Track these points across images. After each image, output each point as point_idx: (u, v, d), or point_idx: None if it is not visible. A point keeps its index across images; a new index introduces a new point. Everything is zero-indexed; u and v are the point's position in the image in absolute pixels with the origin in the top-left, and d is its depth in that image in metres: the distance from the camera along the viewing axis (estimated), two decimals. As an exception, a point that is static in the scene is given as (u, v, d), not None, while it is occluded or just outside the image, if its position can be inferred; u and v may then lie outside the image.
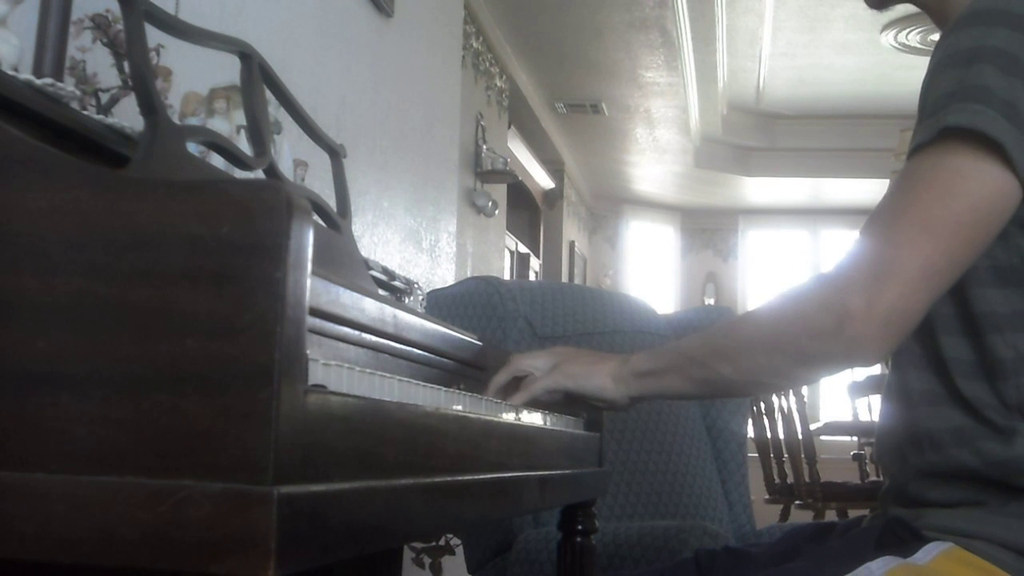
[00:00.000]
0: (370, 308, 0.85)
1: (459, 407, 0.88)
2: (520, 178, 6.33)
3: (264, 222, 0.52)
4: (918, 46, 5.84)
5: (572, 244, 8.15)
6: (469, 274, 4.47)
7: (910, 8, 1.10)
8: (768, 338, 0.96)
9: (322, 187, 1.32)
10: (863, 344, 0.87)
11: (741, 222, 9.29)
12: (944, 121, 0.87)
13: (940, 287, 0.89)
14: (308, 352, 0.54)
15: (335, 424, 0.56)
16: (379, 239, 2.85)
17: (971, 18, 0.91)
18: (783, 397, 4.03)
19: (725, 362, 1.00)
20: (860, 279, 0.88)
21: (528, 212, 7.51)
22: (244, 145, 1.02)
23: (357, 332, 0.86)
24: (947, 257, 0.88)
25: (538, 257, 7.48)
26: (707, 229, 9.34)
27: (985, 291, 0.92)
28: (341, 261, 1.15)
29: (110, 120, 0.91)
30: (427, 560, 2.51)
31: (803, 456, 4.00)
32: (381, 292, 1.55)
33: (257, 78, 1.02)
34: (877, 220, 0.92)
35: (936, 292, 0.89)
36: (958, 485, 0.93)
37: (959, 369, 0.94)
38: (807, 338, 0.91)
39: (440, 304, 1.95)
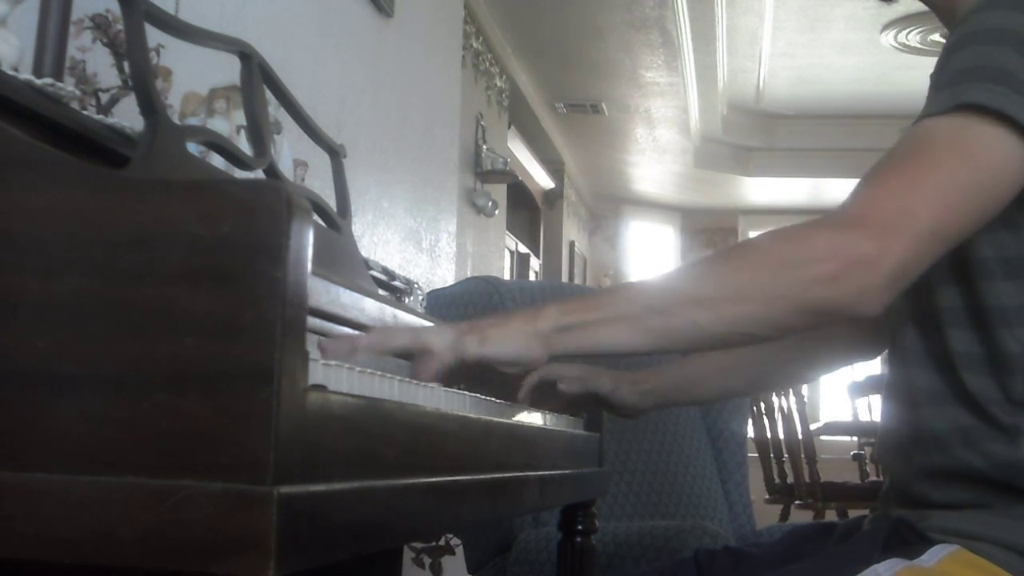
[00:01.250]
0: (370, 308, 0.85)
1: (459, 407, 0.88)
2: (520, 178, 6.33)
3: (264, 222, 0.52)
4: (918, 46, 5.84)
5: (572, 244, 8.15)
6: (469, 274, 4.47)
7: (912, 7, 1.09)
8: (766, 283, 0.88)
9: (322, 187, 1.32)
10: (870, 293, 0.84)
11: (741, 222, 9.29)
12: (965, 96, 0.86)
13: (945, 248, 0.88)
14: (308, 352, 0.54)
15: (335, 424, 0.56)
16: (379, 239, 2.85)
17: (994, 2, 0.91)
18: (783, 397, 4.02)
19: (703, 309, 0.89)
20: (874, 226, 0.85)
21: (528, 212, 7.51)
22: (244, 145, 1.02)
23: (357, 332, 0.86)
24: (959, 220, 0.87)
25: (538, 257, 7.48)
26: (707, 229, 9.34)
27: (994, 284, 0.92)
28: (341, 261, 1.15)
29: (110, 120, 0.91)
30: (427, 560, 2.51)
31: (803, 456, 4.00)
32: (381, 292, 1.55)
33: (257, 78, 1.02)
34: (891, 170, 0.89)
35: (940, 252, 0.88)
36: (963, 486, 0.93)
37: (965, 363, 0.93)
38: (814, 283, 0.85)
39: (440, 304, 1.95)
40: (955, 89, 0.87)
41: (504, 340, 0.92)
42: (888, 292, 0.85)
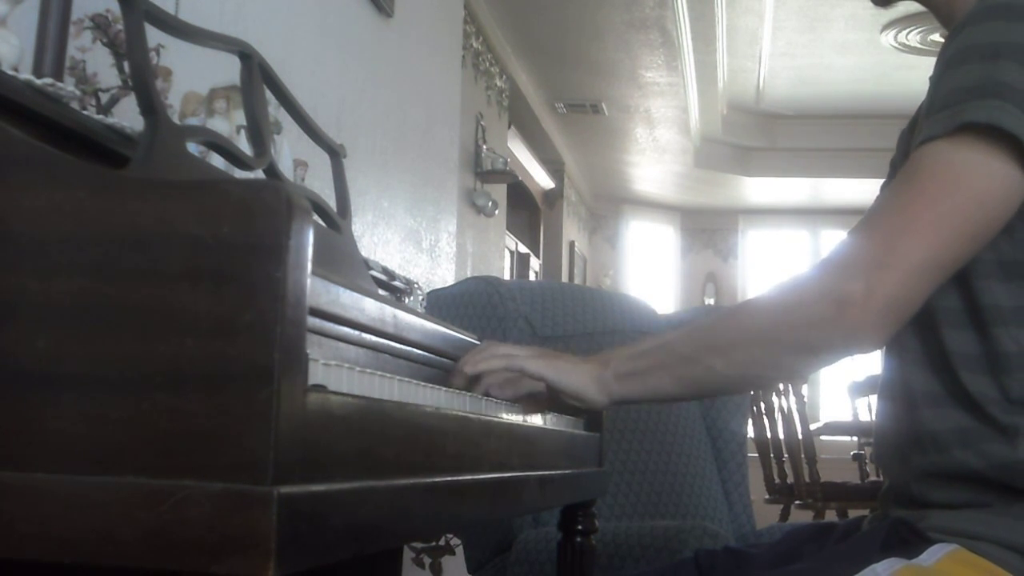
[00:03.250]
0: (370, 308, 0.85)
1: (459, 407, 0.88)
2: (520, 178, 6.33)
3: (264, 222, 0.52)
4: (918, 46, 5.84)
5: (572, 244, 8.15)
6: (469, 274, 4.47)
7: (911, 7, 1.09)
8: (765, 329, 0.95)
9: (322, 187, 1.32)
10: (862, 331, 0.87)
11: (741, 222, 9.29)
12: (963, 116, 0.87)
13: (939, 279, 0.89)
14: (308, 352, 0.54)
15: (335, 424, 0.56)
16: (379, 239, 2.85)
17: (989, 12, 0.91)
18: (783, 397, 4.03)
19: (717, 356, 0.97)
20: (860, 266, 0.88)
21: (528, 212, 7.51)
22: (244, 145, 1.02)
23: (357, 332, 0.86)
24: (949, 250, 0.88)
25: (538, 257, 7.48)
26: (707, 229, 9.34)
27: (990, 284, 0.92)
28: (341, 261, 1.15)
29: (110, 120, 0.91)
30: (427, 560, 2.51)
31: (803, 456, 4.00)
32: (381, 292, 1.55)
33: (257, 78, 1.02)
34: (879, 209, 0.91)
35: (935, 284, 0.89)
36: (962, 486, 0.93)
37: (963, 363, 0.93)
38: (806, 327, 0.90)
39: (440, 304, 1.95)
40: (953, 110, 0.88)
41: (568, 376, 1.06)
42: (882, 329, 0.88)
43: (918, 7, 1.09)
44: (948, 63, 0.91)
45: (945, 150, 0.88)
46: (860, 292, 0.86)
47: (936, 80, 0.92)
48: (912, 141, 0.95)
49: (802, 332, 0.91)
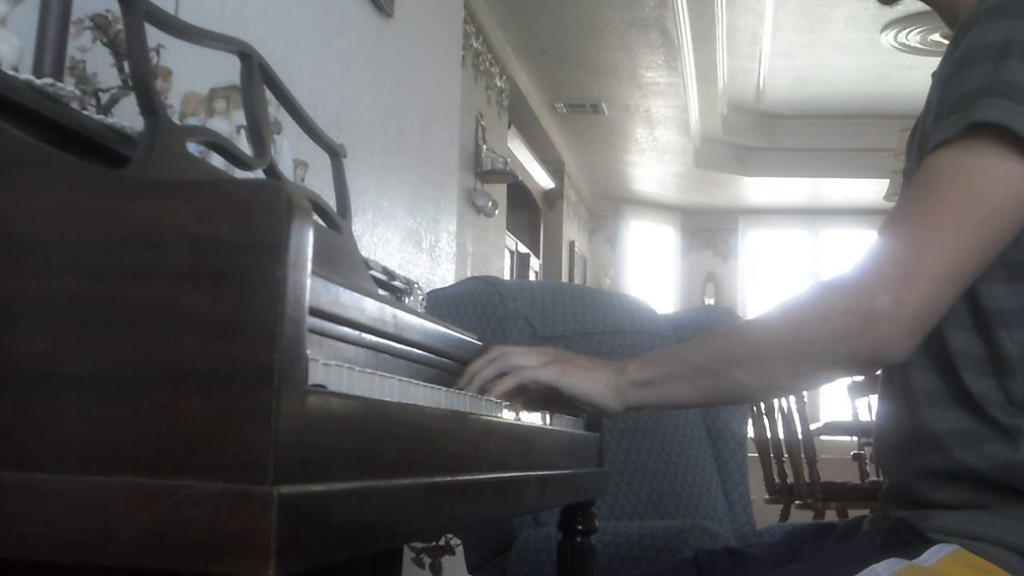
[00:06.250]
0: (370, 308, 0.85)
1: (459, 407, 0.88)
2: (520, 178, 6.32)
3: (264, 222, 0.52)
4: (918, 46, 5.84)
5: (572, 244, 8.14)
6: (469, 274, 4.47)
7: (912, 7, 1.09)
8: (790, 343, 0.95)
9: (322, 187, 1.32)
10: (891, 344, 0.88)
11: (741, 222, 9.28)
12: (972, 117, 0.87)
13: (964, 285, 0.90)
14: (308, 352, 0.54)
15: (335, 424, 0.56)
16: (379, 239, 2.85)
17: (994, 11, 0.91)
18: (783, 397, 4.02)
19: (741, 369, 0.98)
20: (886, 280, 0.88)
21: (528, 212, 7.51)
22: (244, 145, 1.02)
23: (357, 332, 0.86)
24: (972, 256, 0.88)
25: (538, 257, 7.48)
26: (707, 229, 9.34)
27: (993, 286, 0.92)
28: (341, 261, 1.14)
29: (110, 120, 0.91)
30: (427, 560, 2.50)
31: (803, 456, 4.00)
32: (381, 292, 1.55)
33: (257, 78, 1.02)
34: (900, 218, 0.91)
35: (960, 290, 0.90)
36: (962, 487, 0.93)
37: (965, 364, 0.93)
38: (833, 341, 0.90)
39: (440, 304, 1.95)
40: (964, 113, 0.88)
41: (583, 381, 1.06)
42: (911, 339, 0.88)
43: (920, 6, 1.09)
44: (957, 65, 0.91)
45: (961, 155, 0.88)
46: (888, 306, 0.86)
47: (946, 81, 0.92)
48: (923, 146, 0.95)
49: (829, 346, 0.91)
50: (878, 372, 1.06)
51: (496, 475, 0.85)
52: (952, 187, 0.88)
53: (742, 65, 6.38)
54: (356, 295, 0.80)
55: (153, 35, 0.88)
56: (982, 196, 0.87)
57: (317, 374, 0.57)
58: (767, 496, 4.34)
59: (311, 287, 0.54)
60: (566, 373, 1.07)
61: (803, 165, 7.84)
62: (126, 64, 1.22)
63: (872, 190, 7.55)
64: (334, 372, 0.60)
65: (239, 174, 0.99)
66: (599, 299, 2.17)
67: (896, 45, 5.88)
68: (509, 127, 6.09)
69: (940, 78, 0.95)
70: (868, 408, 4.54)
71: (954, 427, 0.93)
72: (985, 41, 0.90)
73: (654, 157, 7.83)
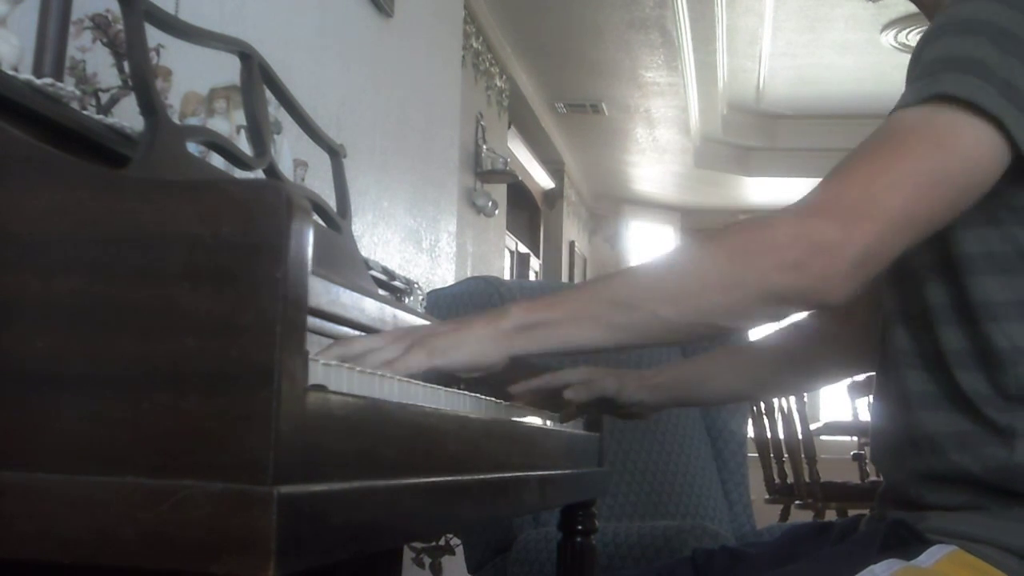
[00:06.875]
0: (370, 308, 0.85)
1: (459, 407, 0.88)
2: (520, 178, 6.33)
3: (264, 222, 0.52)
4: (918, 46, 5.84)
5: (572, 244, 8.15)
6: (469, 274, 4.47)
7: (910, 8, 1.10)
8: (726, 272, 0.87)
9: (322, 187, 1.32)
10: (833, 280, 0.83)
11: (741, 222, 9.29)
12: (940, 87, 0.85)
13: (912, 237, 0.87)
14: (308, 352, 0.54)
15: (335, 424, 0.56)
16: (379, 239, 2.85)
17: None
18: (783, 397, 4.02)
19: (665, 303, 0.88)
20: (838, 212, 0.84)
21: (528, 212, 7.51)
22: (244, 145, 1.02)
23: (357, 332, 0.86)
24: (929, 208, 0.86)
25: (538, 257, 7.48)
26: (707, 229, 9.33)
27: (980, 279, 0.91)
28: (341, 261, 1.15)
29: (110, 120, 0.91)
30: (427, 560, 2.51)
31: (803, 456, 4.00)
32: (381, 292, 1.55)
33: (257, 78, 1.02)
34: (857, 160, 0.87)
35: (909, 241, 0.87)
36: (959, 489, 0.92)
37: (957, 361, 0.93)
38: (775, 271, 0.84)
39: (440, 304, 1.95)
40: (929, 80, 0.87)
41: (456, 348, 0.89)
42: (853, 280, 0.84)
43: (916, 5, 1.10)
44: (927, 39, 0.90)
45: (926, 114, 0.86)
46: (835, 238, 0.82)
47: (914, 57, 0.92)
48: None
49: (768, 275, 0.84)
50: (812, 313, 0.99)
51: (496, 475, 0.85)
52: (917, 138, 0.86)
53: (742, 65, 6.38)
54: (356, 295, 0.80)
55: (153, 35, 0.88)
56: (947, 148, 0.85)
57: (317, 374, 0.57)
58: (767, 496, 4.34)
59: (311, 287, 0.54)
60: (436, 349, 0.89)
61: (803, 165, 7.84)
62: (126, 64, 1.22)
63: (872, 190, 7.55)
64: (334, 372, 0.60)
65: (239, 174, 0.99)
66: (599, 299, 2.17)
67: (896, 45, 5.88)
68: (509, 127, 6.09)
69: (912, 58, 0.94)
70: (868, 408, 4.53)
71: (949, 429, 0.93)
72: (957, 18, 0.89)
73: (654, 157, 7.83)
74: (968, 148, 0.85)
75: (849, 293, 0.84)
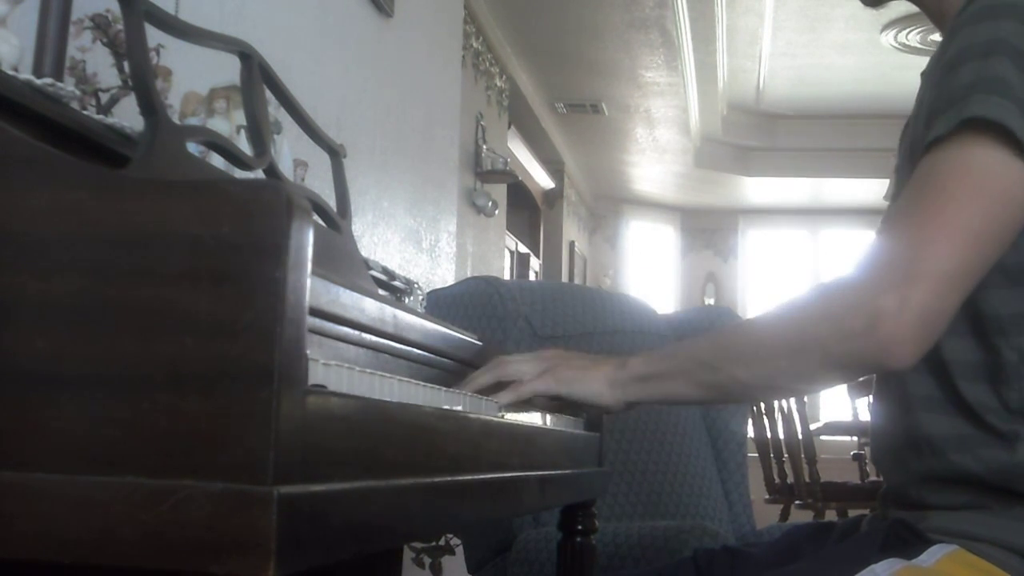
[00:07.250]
0: (370, 308, 0.85)
1: (459, 407, 0.88)
2: (520, 178, 6.33)
3: (264, 222, 0.52)
4: (918, 46, 5.84)
5: (572, 244, 8.15)
6: (469, 274, 4.47)
7: (910, 8, 1.10)
8: (792, 340, 0.92)
9: (322, 187, 1.32)
10: (897, 345, 0.85)
11: (741, 222, 9.29)
12: (965, 112, 0.86)
13: (971, 285, 0.88)
14: (308, 352, 0.54)
15: (335, 424, 0.56)
16: (379, 239, 2.85)
17: (979, 14, 0.91)
18: (784, 399, 4.02)
19: (740, 366, 0.96)
20: (892, 278, 0.85)
21: (528, 212, 7.51)
22: (244, 145, 1.02)
23: (357, 332, 0.86)
24: (980, 255, 0.87)
25: (538, 257, 7.48)
26: (707, 229, 9.34)
27: (991, 292, 0.91)
28: (341, 261, 1.15)
29: (110, 120, 0.91)
30: (427, 560, 2.51)
31: (803, 456, 4.00)
32: (381, 292, 1.55)
33: (257, 78, 1.02)
34: (902, 216, 0.89)
35: (967, 291, 0.88)
36: (960, 489, 0.92)
37: (961, 372, 0.93)
38: (836, 340, 0.87)
39: (440, 304, 1.95)
40: (957, 108, 0.87)
41: (580, 383, 1.05)
42: (917, 341, 0.85)
43: (918, 7, 1.09)
44: (948, 66, 0.91)
45: (958, 151, 0.87)
46: (893, 305, 0.84)
47: (937, 83, 0.92)
48: (914, 146, 0.95)
49: (832, 346, 0.88)
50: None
51: (496, 475, 0.85)
52: (954, 183, 0.87)
53: (742, 65, 6.38)
54: (356, 295, 0.80)
55: (153, 35, 0.88)
56: (986, 191, 0.86)
57: (317, 374, 0.57)
58: (767, 496, 4.34)
59: (311, 287, 0.54)
60: (563, 379, 1.06)
61: (803, 165, 7.85)
62: (126, 64, 1.22)
63: (872, 190, 7.55)
64: (334, 372, 0.60)
65: (239, 174, 0.99)
66: (599, 299, 2.17)
67: (896, 45, 5.88)
68: (509, 127, 6.09)
69: (931, 80, 0.95)
70: (868, 408, 4.53)
71: (950, 432, 0.93)
72: (975, 40, 0.90)
73: (654, 157, 7.83)
74: (1007, 188, 0.86)
75: (915, 354, 0.86)
